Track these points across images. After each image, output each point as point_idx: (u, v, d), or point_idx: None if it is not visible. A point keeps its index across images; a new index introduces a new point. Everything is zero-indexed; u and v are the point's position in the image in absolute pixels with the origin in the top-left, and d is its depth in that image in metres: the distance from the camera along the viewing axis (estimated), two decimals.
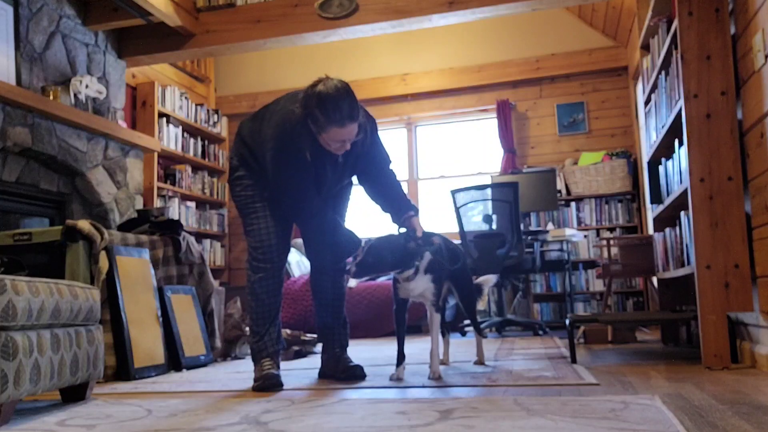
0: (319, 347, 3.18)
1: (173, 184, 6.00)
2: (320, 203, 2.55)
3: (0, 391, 1.81)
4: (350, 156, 2.55)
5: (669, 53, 3.02)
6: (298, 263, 5.99)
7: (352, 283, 5.47)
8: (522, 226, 4.57)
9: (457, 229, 4.58)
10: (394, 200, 2.67)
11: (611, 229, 6.10)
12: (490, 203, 4.50)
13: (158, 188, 5.74)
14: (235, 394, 2.37)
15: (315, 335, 3.74)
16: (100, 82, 4.91)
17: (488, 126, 6.82)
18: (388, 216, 2.71)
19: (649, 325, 4.79)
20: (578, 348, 3.59)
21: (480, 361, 2.95)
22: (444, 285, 2.81)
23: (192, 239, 3.89)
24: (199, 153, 6.51)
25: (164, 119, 5.90)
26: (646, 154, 4.49)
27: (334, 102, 2.28)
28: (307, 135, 2.39)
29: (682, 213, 2.93)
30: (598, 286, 6.09)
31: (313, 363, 3.19)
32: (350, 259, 2.52)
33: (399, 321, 2.61)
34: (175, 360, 3.34)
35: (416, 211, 2.65)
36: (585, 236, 6.01)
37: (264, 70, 7.13)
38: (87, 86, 4.63)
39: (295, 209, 2.55)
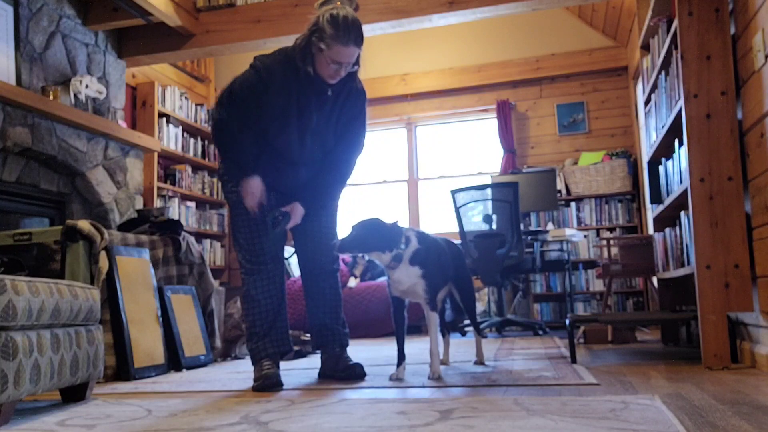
0: None
1: (173, 184, 6.00)
2: (304, 150, 2.54)
3: (0, 391, 1.81)
4: (336, 105, 2.55)
5: (669, 53, 3.02)
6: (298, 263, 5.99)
7: (352, 283, 5.48)
8: (522, 226, 4.57)
9: (457, 229, 4.58)
10: (324, 182, 2.62)
11: (611, 229, 6.10)
12: (490, 203, 4.50)
13: (158, 188, 5.74)
14: (235, 394, 2.37)
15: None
16: (100, 82, 4.90)
17: (488, 126, 6.82)
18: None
19: (649, 325, 4.79)
20: (578, 348, 3.59)
21: (480, 361, 2.94)
22: (445, 286, 2.81)
23: (192, 239, 3.89)
24: (199, 153, 6.51)
25: (164, 119, 5.90)
26: (646, 154, 4.49)
27: (345, 21, 2.36)
28: (294, 74, 2.45)
29: (682, 213, 2.93)
30: (598, 286, 6.09)
31: (313, 363, 3.19)
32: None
33: (397, 321, 2.60)
34: (175, 360, 3.34)
35: (313, 208, 2.61)
36: (585, 236, 6.01)
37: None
38: (87, 86, 4.63)
39: (278, 147, 2.51)
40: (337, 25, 2.35)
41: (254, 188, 2.49)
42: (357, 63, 2.48)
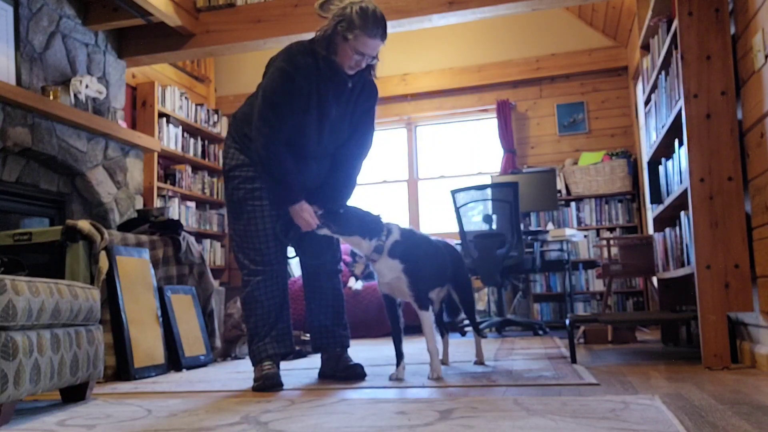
0: None
1: (173, 184, 6.00)
2: (320, 143, 2.54)
3: (0, 391, 1.81)
4: (352, 96, 2.56)
5: (669, 53, 3.02)
6: (298, 263, 5.98)
7: (353, 283, 5.47)
8: (522, 226, 4.57)
9: (457, 229, 4.59)
10: (334, 183, 2.64)
11: (611, 229, 6.09)
12: (490, 203, 4.50)
13: (158, 188, 5.74)
14: (235, 394, 2.37)
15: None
16: (100, 82, 4.91)
17: (488, 126, 6.82)
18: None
19: (649, 325, 4.79)
20: (578, 348, 3.59)
21: (480, 361, 2.94)
22: (439, 287, 2.79)
23: (192, 239, 3.89)
24: (199, 153, 6.51)
25: (164, 119, 5.90)
26: (646, 154, 4.49)
27: (374, 15, 2.41)
28: (314, 63, 2.46)
29: (682, 213, 2.93)
30: (598, 286, 6.09)
31: (313, 363, 3.19)
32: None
33: (392, 320, 2.58)
34: (175, 360, 3.34)
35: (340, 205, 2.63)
36: (585, 236, 6.01)
37: (264, 70, 7.12)
38: (87, 86, 4.63)
39: (295, 142, 2.50)
40: (367, 17, 2.39)
41: (306, 212, 2.47)
42: (376, 57, 2.50)
